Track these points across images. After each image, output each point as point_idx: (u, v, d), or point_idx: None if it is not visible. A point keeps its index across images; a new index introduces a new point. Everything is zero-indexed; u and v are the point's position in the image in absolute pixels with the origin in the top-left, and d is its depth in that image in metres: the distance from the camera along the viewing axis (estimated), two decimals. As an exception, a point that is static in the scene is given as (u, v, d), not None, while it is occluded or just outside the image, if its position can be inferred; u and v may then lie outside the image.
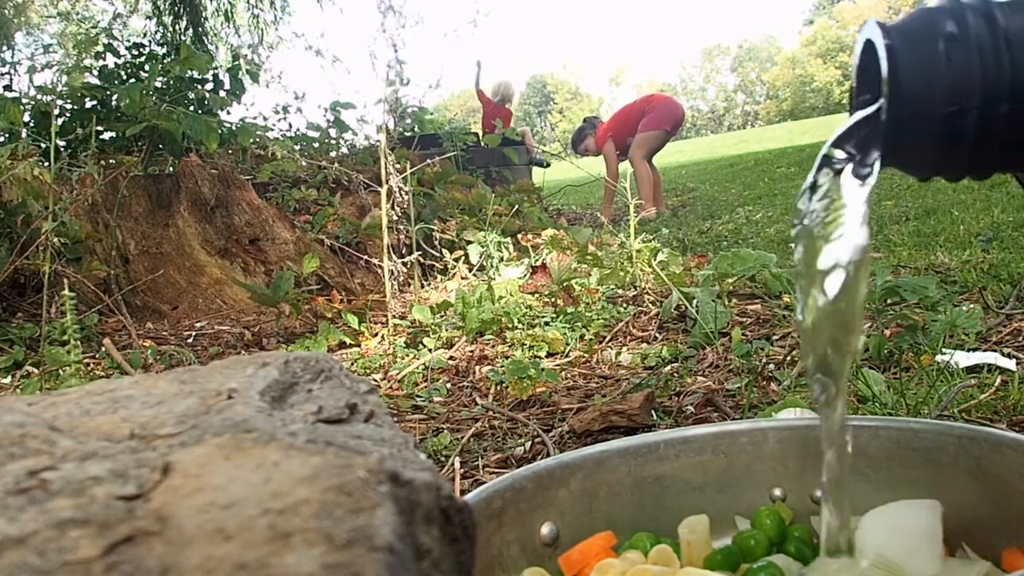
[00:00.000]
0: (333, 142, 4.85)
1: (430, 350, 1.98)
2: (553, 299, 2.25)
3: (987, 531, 0.58)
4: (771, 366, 1.48)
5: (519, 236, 2.99)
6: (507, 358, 1.82)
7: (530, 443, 1.25)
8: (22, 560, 0.23)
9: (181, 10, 7.26)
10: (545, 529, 0.64)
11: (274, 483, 0.27)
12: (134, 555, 0.23)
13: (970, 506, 0.59)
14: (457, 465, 1.19)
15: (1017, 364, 1.30)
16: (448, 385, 1.69)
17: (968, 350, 1.40)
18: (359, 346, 2.14)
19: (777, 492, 0.67)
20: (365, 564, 0.24)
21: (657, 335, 1.90)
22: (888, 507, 0.61)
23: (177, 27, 7.26)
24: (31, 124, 3.23)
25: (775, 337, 1.69)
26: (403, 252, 2.76)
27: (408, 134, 5.24)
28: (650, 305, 2.15)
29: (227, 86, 3.70)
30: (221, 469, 0.28)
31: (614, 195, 5.59)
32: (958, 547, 0.59)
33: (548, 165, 6.61)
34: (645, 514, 0.66)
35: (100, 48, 3.59)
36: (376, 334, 2.19)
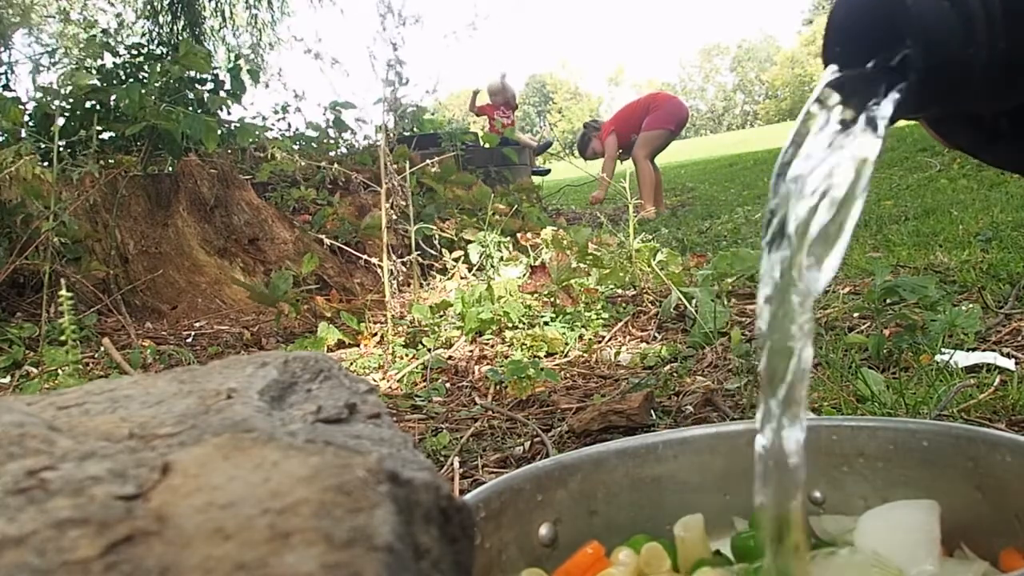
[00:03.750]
0: (332, 142, 4.85)
1: (429, 350, 1.98)
2: (552, 299, 2.25)
3: (985, 531, 0.58)
4: (770, 366, 1.47)
5: (518, 236, 2.99)
6: (506, 358, 1.82)
7: (529, 443, 1.25)
8: (21, 560, 0.23)
9: (179, 10, 7.26)
10: (543, 530, 0.64)
11: (273, 483, 0.27)
12: (133, 555, 0.24)
13: (968, 506, 0.59)
14: (456, 465, 1.19)
15: (1016, 364, 1.30)
16: (447, 385, 1.69)
17: (967, 350, 1.40)
18: (358, 346, 2.14)
19: (776, 492, 0.67)
20: (364, 564, 0.24)
21: (656, 335, 1.90)
22: (886, 507, 0.61)
23: (175, 27, 7.26)
24: (31, 124, 3.23)
25: (774, 337, 1.69)
26: (402, 252, 2.75)
27: (407, 134, 5.23)
28: (649, 305, 2.15)
29: (227, 86, 3.70)
30: (220, 469, 0.29)
31: (607, 185, 5.58)
32: (956, 547, 0.59)
33: (548, 172, 6.66)
34: (643, 515, 0.66)
35: (98, 48, 3.59)
36: (375, 334, 2.19)
